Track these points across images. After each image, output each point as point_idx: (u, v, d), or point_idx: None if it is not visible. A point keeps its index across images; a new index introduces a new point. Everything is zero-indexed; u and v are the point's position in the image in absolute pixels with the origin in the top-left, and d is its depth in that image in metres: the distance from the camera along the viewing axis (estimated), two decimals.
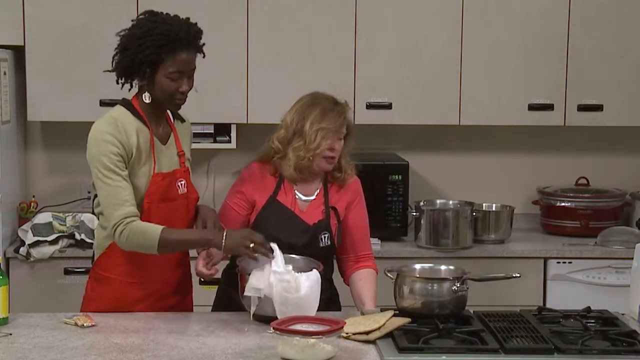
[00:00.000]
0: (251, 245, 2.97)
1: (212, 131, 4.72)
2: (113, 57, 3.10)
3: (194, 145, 4.57)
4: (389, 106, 4.68)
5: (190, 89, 3.11)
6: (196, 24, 3.14)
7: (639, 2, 4.71)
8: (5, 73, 4.44)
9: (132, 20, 3.10)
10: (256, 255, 3.00)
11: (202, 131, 4.68)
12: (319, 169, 3.30)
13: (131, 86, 3.14)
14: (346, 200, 3.37)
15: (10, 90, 4.51)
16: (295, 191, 3.32)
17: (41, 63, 4.56)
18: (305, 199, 3.33)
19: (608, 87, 4.72)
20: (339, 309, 3.40)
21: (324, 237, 3.30)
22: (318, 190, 3.34)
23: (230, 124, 4.73)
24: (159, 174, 3.10)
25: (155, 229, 2.99)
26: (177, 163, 3.19)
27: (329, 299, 3.35)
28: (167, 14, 3.11)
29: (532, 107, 4.71)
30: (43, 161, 4.95)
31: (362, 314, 3.11)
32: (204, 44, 3.15)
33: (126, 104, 3.13)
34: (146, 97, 3.09)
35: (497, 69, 4.70)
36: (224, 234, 2.99)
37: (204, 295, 4.02)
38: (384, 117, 4.70)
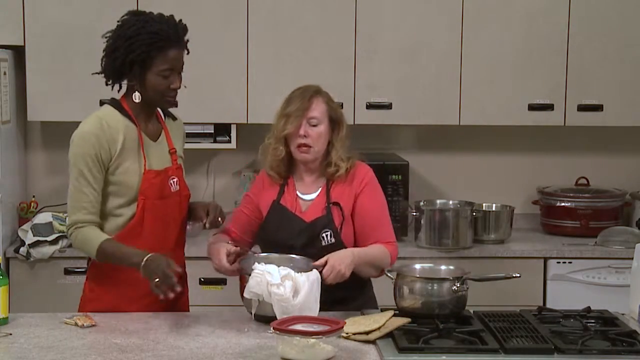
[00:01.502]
0: (155, 280, 2.90)
1: (212, 131, 4.72)
2: (102, 59, 3.12)
3: (194, 145, 4.62)
4: (389, 106, 4.68)
5: (180, 85, 3.12)
6: (181, 20, 3.14)
7: (639, 2, 4.71)
8: (5, 73, 4.44)
9: (117, 22, 3.11)
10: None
11: (202, 131, 4.68)
12: (298, 161, 3.25)
13: (120, 87, 3.16)
14: (351, 192, 3.26)
15: (10, 90, 4.51)
16: (297, 192, 3.28)
17: (41, 63, 4.56)
18: (307, 199, 3.27)
19: (608, 87, 4.72)
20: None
21: (326, 235, 3.19)
22: (320, 189, 3.27)
23: (230, 124, 4.73)
24: (150, 170, 3.11)
25: (96, 239, 3.04)
26: (169, 160, 3.20)
27: (366, 303, 3.28)
28: (150, 12, 3.13)
29: (532, 107, 4.71)
30: (43, 161, 4.95)
31: (363, 313, 3.10)
32: (187, 41, 3.15)
33: (114, 103, 3.16)
34: (136, 97, 3.11)
35: (497, 69, 4.69)
36: (144, 258, 2.95)
37: (204, 295, 4.03)
38: (384, 117, 4.70)
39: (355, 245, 3.25)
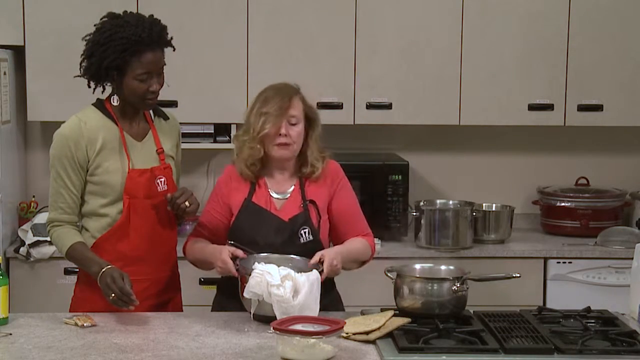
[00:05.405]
0: (111, 295, 2.93)
1: (212, 131, 4.73)
2: (80, 64, 3.13)
3: (194, 145, 4.63)
4: (389, 106, 4.68)
5: (161, 86, 3.12)
6: (160, 21, 3.13)
7: (639, 3, 4.71)
8: (5, 73, 4.44)
9: (95, 25, 3.11)
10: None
11: (202, 131, 4.68)
12: (275, 159, 3.20)
13: (104, 89, 3.18)
14: (326, 191, 3.26)
15: (10, 90, 4.51)
16: (270, 190, 3.23)
17: (41, 63, 4.56)
18: (280, 197, 3.23)
19: (608, 87, 4.73)
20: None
21: (304, 232, 3.18)
22: (293, 187, 3.24)
23: (230, 124, 4.73)
24: (134, 170, 3.11)
25: (69, 241, 3.09)
26: (156, 160, 3.19)
27: (330, 304, 3.24)
28: (130, 13, 3.12)
29: (532, 107, 4.71)
30: (43, 161, 4.94)
31: (363, 313, 3.10)
32: (171, 38, 3.14)
33: (97, 103, 3.18)
34: (114, 100, 3.15)
35: (497, 69, 4.70)
36: (101, 271, 2.97)
37: (203, 295, 4.02)
38: (384, 117, 4.70)
39: (331, 241, 3.29)
